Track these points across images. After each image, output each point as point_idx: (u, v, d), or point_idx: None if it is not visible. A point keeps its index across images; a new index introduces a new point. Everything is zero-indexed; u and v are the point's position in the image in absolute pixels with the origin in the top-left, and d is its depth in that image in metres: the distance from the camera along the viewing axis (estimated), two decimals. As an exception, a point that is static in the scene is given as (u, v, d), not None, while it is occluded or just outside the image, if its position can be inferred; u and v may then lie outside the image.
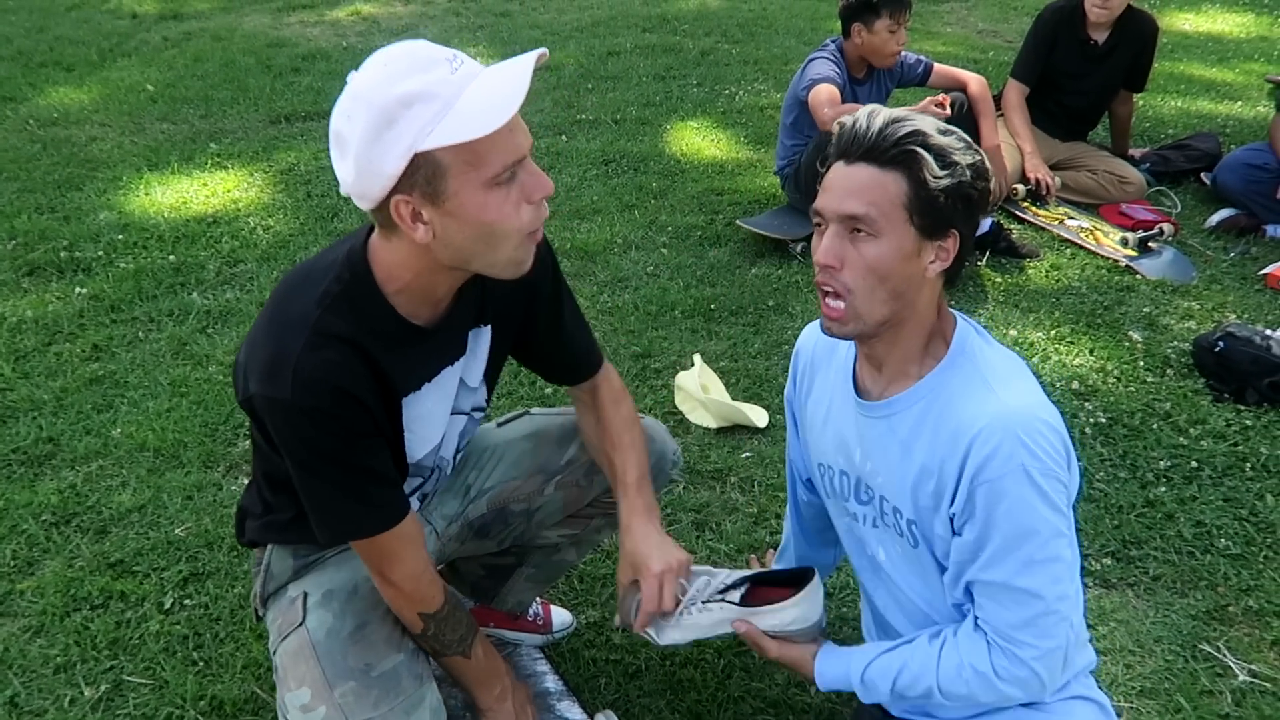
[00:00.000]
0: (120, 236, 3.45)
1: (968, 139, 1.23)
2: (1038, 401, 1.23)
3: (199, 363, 2.79)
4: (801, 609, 1.45)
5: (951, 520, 1.26)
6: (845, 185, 1.20)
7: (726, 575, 1.49)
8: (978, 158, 1.22)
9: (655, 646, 1.49)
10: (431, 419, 1.42)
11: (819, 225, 1.25)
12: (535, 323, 1.50)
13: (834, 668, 1.42)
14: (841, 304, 1.23)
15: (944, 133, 1.20)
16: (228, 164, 4.09)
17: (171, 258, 3.32)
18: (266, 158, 4.17)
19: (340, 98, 1.15)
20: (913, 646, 1.35)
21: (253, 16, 6.33)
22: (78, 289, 3.13)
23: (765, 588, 1.52)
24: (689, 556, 1.46)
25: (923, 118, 1.21)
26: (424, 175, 1.13)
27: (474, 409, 1.51)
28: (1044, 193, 3.55)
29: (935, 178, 1.18)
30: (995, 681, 1.26)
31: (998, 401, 1.21)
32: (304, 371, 1.20)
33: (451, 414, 1.46)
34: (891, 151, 1.18)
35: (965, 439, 1.21)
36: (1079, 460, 2.37)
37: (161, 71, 5.25)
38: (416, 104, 1.09)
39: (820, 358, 1.48)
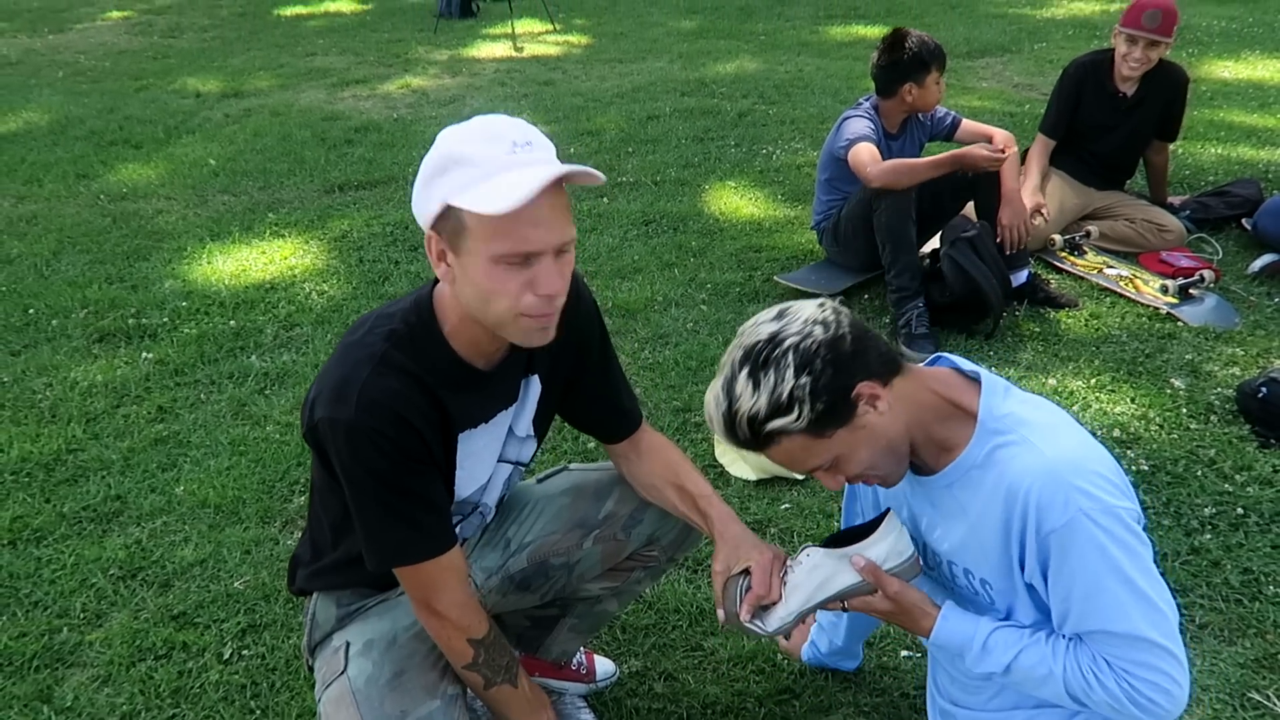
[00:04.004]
0: (184, 303, 3.62)
1: (768, 359, 1.26)
2: (1078, 442, 1.28)
3: (257, 423, 2.90)
4: (890, 542, 1.39)
5: (1025, 571, 1.30)
6: (781, 463, 1.33)
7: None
8: (791, 367, 1.25)
9: (763, 637, 1.47)
10: (482, 458, 1.50)
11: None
12: (584, 376, 1.59)
13: (960, 622, 1.38)
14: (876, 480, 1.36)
15: (756, 382, 1.25)
16: (285, 232, 4.28)
17: (232, 323, 3.48)
18: (321, 225, 4.35)
19: None
20: (1042, 632, 1.35)
21: (309, 92, 6.63)
22: (144, 354, 3.29)
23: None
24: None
25: (718, 385, 1.29)
26: (452, 226, 1.26)
27: (518, 461, 1.59)
28: (1034, 221, 3.38)
29: (798, 418, 1.25)
30: (1128, 705, 1.25)
31: (1040, 455, 1.26)
32: (368, 395, 1.31)
33: (500, 460, 1.54)
34: (758, 441, 1.29)
35: (1019, 499, 1.26)
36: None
37: (223, 146, 5.51)
38: (463, 165, 1.22)
39: None
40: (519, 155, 1.22)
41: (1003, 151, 3.14)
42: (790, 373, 1.24)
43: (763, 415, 1.25)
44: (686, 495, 1.59)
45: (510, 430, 1.53)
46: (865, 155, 3.20)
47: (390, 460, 1.34)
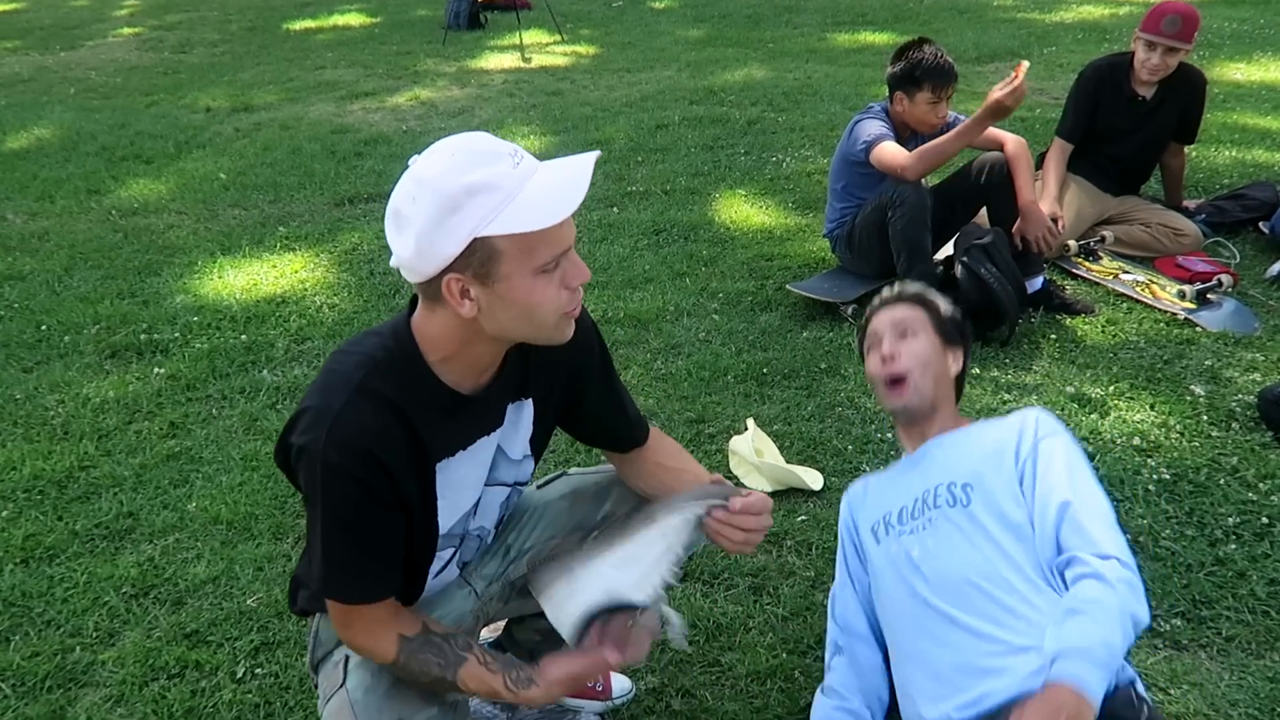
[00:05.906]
0: (195, 318, 3.62)
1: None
2: None
3: (269, 437, 2.89)
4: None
5: (1019, 463, 1.64)
6: (891, 315, 1.89)
7: None
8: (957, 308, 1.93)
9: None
10: (463, 487, 1.47)
11: (870, 349, 1.90)
12: (584, 398, 1.56)
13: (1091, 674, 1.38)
14: (904, 383, 1.81)
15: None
16: (295, 246, 4.28)
17: (243, 337, 3.47)
18: (331, 239, 4.35)
19: (402, 179, 1.25)
20: (1065, 628, 1.42)
21: (318, 106, 6.65)
22: (156, 370, 3.29)
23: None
24: None
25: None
26: (479, 258, 1.22)
27: (517, 482, 1.57)
28: (1055, 228, 3.25)
29: (944, 309, 1.91)
30: (1123, 590, 1.42)
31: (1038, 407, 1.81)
32: (340, 428, 1.27)
33: (492, 485, 1.52)
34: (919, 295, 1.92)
35: (1018, 420, 1.72)
36: (1142, 518, 2.34)
37: (233, 161, 5.53)
38: (481, 194, 1.19)
39: (859, 493, 1.90)
40: (523, 166, 1.23)
41: (1016, 77, 2.86)
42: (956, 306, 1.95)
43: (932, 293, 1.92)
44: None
45: (502, 453, 1.50)
46: (890, 152, 3.18)
47: (348, 499, 1.31)
